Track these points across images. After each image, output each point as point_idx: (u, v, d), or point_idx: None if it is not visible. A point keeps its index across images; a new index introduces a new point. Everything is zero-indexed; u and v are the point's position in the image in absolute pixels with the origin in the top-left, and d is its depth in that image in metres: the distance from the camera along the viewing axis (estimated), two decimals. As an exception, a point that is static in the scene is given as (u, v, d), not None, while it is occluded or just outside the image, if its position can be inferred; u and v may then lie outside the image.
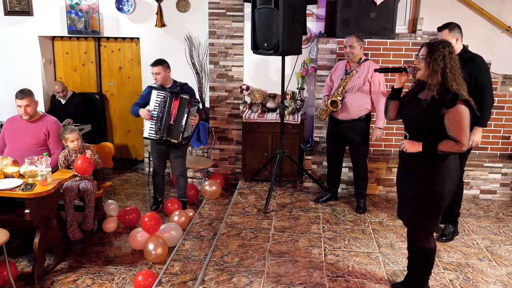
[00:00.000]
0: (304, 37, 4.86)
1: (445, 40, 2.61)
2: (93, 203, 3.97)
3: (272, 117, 4.99)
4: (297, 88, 5.14)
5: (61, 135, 3.93)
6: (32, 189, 3.28)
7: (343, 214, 4.17)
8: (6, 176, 3.48)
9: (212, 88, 5.37)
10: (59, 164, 3.88)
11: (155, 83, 4.37)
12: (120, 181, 5.73)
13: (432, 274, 3.10)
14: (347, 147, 4.26)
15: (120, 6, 5.50)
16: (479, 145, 4.09)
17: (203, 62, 5.45)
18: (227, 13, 5.14)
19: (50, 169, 3.45)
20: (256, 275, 3.11)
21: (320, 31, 5.05)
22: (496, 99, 4.19)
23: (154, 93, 4.30)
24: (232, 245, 3.56)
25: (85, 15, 5.57)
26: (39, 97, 5.77)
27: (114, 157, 4.72)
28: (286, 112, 4.93)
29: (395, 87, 2.73)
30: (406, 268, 2.99)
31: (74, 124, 5.24)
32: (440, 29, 3.43)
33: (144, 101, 4.37)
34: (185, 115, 4.25)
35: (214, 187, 4.85)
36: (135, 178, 5.85)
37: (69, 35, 5.75)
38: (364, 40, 4.06)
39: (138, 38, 5.73)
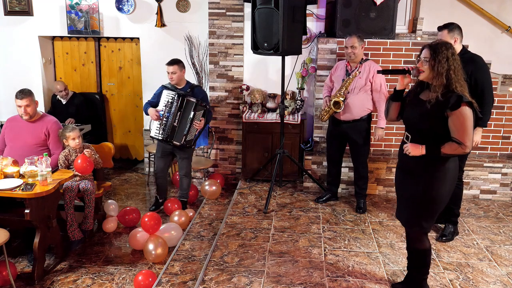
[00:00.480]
0: (304, 37, 4.86)
1: (446, 41, 2.61)
2: (93, 203, 3.97)
3: (272, 117, 4.98)
4: (297, 88, 5.14)
5: (61, 134, 3.92)
6: (32, 189, 3.28)
7: (343, 214, 4.17)
8: (6, 176, 3.48)
9: (212, 88, 5.37)
10: (59, 164, 3.88)
11: (168, 83, 4.37)
12: (120, 181, 5.73)
13: (432, 274, 3.12)
14: (347, 147, 4.27)
15: (120, 6, 5.50)
16: (479, 145, 4.10)
17: (203, 62, 5.45)
18: (227, 13, 5.14)
19: (50, 169, 3.45)
20: (256, 275, 3.11)
21: (320, 31, 5.05)
22: (496, 99, 4.19)
23: (165, 93, 4.30)
24: (232, 245, 3.56)
25: (85, 15, 5.56)
26: (39, 97, 5.77)
27: (114, 157, 4.72)
28: (286, 112, 4.93)
29: (397, 88, 2.72)
30: (406, 268, 2.99)
31: (74, 124, 5.24)
32: (440, 28, 3.44)
33: (157, 100, 4.37)
34: (190, 118, 4.24)
35: (214, 187, 4.85)
36: (135, 178, 5.85)
37: (69, 35, 5.75)
38: (364, 40, 4.06)
39: (138, 38, 5.72)
